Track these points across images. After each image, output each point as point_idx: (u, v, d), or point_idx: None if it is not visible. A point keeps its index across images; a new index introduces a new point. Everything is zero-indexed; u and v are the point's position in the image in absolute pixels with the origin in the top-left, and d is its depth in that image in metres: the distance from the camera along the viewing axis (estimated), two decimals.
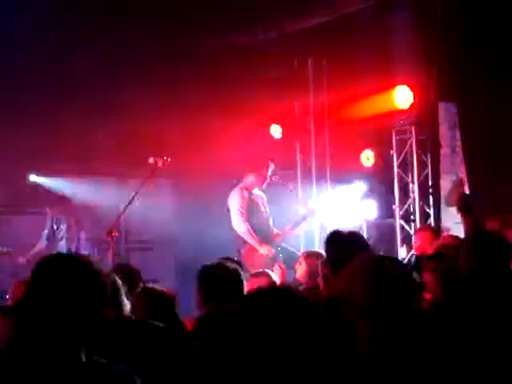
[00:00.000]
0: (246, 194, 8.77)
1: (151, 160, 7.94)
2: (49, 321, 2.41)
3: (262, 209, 8.91)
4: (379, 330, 2.77)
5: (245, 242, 8.61)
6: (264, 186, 8.97)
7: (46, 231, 10.00)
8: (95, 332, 2.49)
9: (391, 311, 2.79)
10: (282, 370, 1.95)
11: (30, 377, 2.33)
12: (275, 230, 8.97)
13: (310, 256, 6.18)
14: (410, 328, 2.81)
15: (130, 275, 5.10)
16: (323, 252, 4.82)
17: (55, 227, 9.96)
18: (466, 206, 5.39)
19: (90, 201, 11.05)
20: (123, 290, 4.19)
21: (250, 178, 8.88)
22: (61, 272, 2.49)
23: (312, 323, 2.04)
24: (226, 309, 3.58)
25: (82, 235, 9.95)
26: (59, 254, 2.87)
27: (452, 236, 7.20)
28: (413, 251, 9.00)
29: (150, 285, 4.90)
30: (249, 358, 1.97)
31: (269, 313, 2.01)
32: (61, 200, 10.29)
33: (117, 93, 10.50)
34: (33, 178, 11.10)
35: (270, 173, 8.88)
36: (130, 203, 7.95)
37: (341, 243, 4.30)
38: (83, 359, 2.42)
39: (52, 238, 9.99)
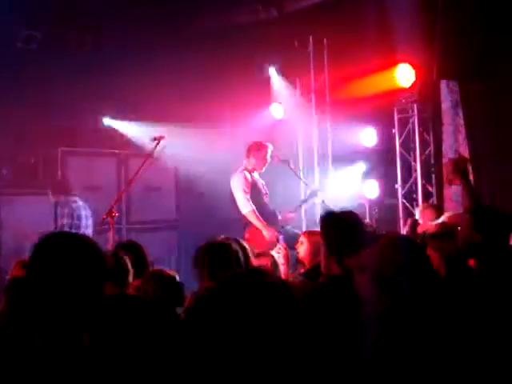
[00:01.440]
0: (248, 175, 8.75)
1: (151, 140, 7.91)
2: (49, 298, 2.40)
3: (263, 191, 8.90)
4: (399, 306, 2.85)
5: (248, 224, 8.59)
6: (264, 169, 8.94)
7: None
8: (95, 309, 2.48)
9: (415, 286, 2.91)
10: (254, 348, 1.96)
11: (29, 356, 2.31)
12: (278, 213, 8.96)
13: (312, 234, 6.12)
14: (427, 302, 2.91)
15: (139, 254, 5.13)
16: None
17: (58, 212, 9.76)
18: (461, 171, 5.29)
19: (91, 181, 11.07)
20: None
21: (251, 161, 8.85)
22: (61, 249, 2.47)
23: (285, 305, 2.05)
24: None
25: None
26: (60, 232, 2.85)
27: (453, 214, 7.18)
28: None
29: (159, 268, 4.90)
30: (223, 336, 1.99)
31: (240, 294, 2.03)
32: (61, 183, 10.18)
33: (117, 73, 10.45)
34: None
35: (269, 155, 8.85)
36: (130, 183, 7.92)
37: (338, 224, 4.29)
38: (84, 338, 2.41)
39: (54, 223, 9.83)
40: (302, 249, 6.24)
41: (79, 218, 9.22)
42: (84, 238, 2.65)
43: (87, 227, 9.29)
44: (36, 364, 2.30)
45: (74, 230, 9.05)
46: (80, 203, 9.30)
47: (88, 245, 2.53)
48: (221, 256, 4.46)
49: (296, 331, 2.07)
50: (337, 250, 4.13)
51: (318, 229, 6.87)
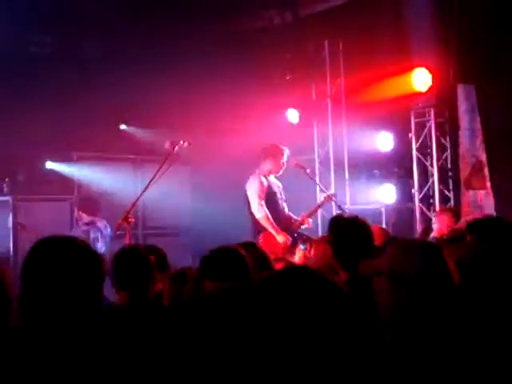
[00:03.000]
0: (264, 180, 8.71)
1: (167, 145, 7.88)
2: (43, 303, 2.36)
3: (279, 196, 8.86)
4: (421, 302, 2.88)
5: (262, 229, 8.55)
6: (281, 172, 8.91)
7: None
8: (93, 315, 2.44)
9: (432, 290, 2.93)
10: (306, 344, 1.91)
11: (28, 361, 2.29)
12: (293, 217, 8.91)
13: (321, 242, 6.03)
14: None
15: (161, 259, 5.12)
16: None
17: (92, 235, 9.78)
18: None
19: (106, 186, 11.09)
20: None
21: (267, 165, 8.81)
22: (54, 254, 2.43)
23: (335, 301, 2.00)
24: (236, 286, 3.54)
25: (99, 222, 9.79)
26: (53, 237, 2.77)
27: (471, 220, 7.12)
28: (433, 234, 8.96)
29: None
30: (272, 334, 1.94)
31: (292, 291, 1.98)
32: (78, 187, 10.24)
33: (131, 78, 10.47)
34: (49, 164, 11.18)
35: (285, 159, 8.80)
36: (146, 189, 7.90)
37: (344, 228, 4.28)
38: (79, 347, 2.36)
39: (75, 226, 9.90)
40: (310, 255, 6.19)
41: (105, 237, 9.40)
42: (78, 241, 2.59)
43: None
44: (34, 371, 2.27)
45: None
46: (100, 224, 9.45)
47: (82, 248, 2.49)
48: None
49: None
50: (342, 254, 4.12)
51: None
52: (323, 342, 1.92)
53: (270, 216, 8.50)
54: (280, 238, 8.42)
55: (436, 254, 3.09)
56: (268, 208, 8.56)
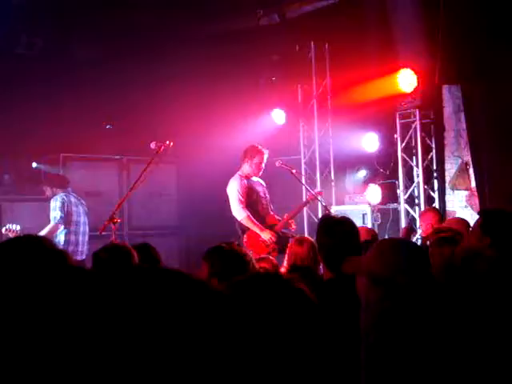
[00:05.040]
0: (244, 181, 8.69)
1: (153, 145, 7.85)
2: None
3: (262, 195, 8.84)
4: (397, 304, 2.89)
5: (246, 229, 8.55)
6: (260, 173, 8.88)
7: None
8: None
9: (415, 289, 2.95)
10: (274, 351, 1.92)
11: None
12: (277, 218, 8.91)
13: (298, 243, 6.01)
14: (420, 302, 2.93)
15: (150, 256, 5.12)
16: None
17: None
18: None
19: (92, 187, 11.08)
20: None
21: (246, 167, 8.77)
22: (16, 255, 2.39)
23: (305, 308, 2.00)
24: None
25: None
26: (16, 238, 2.71)
27: (454, 220, 7.19)
28: (419, 233, 9.04)
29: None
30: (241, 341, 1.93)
31: (260, 297, 1.97)
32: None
33: (117, 79, 10.47)
34: (35, 165, 11.15)
35: (265, 160, 8.75)
36: (132, 189, 7.89)
37: (333, 229, 4.30)
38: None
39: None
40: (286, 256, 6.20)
41: (69, 213, 9.11)
42: (43, 239, 2.54)
43: (77, 224, 9.18)
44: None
45: (61, 226, 8.97)
46: (72, 199, 9.19)
47: (48, 247, 2.45)
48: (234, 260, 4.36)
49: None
50: (329, 255, 4.14)
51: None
52: (286, 351, 1.92)
53: (251, 216, 8.49)
54: (264, 236, 8.42)
55: (415, 254, 3.10)
56: (250, 208, 8.56)
